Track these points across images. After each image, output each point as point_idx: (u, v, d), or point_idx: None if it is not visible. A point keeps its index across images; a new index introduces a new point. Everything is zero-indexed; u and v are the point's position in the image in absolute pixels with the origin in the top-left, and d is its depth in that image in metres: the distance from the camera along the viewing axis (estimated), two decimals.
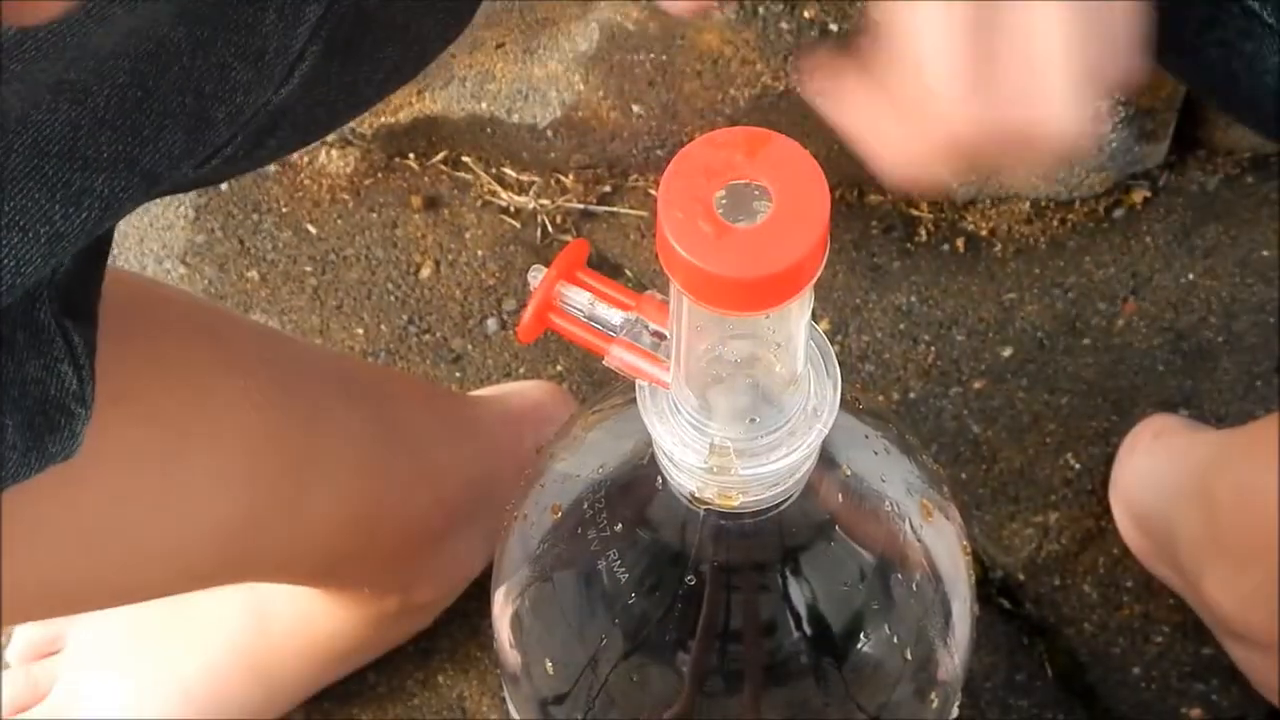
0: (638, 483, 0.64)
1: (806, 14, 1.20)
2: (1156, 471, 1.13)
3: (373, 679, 1.14)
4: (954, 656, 0.70)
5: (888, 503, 0.68)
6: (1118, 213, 1.31)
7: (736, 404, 0.55)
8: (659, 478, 0.61)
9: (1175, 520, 1.09)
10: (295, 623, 1.07)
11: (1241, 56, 0.66)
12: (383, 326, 1.26)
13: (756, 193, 0.49)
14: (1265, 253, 1.28)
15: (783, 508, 0.60)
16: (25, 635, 1.10)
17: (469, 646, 1.15)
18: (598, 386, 1.21)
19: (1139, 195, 1.32)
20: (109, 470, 0.75)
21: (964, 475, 1.20)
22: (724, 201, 0.49)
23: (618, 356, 0.56)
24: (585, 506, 0.66)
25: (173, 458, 0.79)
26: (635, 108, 1.24)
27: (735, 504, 0.58)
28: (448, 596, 1.12)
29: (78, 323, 0.66)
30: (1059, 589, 1.17)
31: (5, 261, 0.57)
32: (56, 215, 0.58)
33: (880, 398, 1.22)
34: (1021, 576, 1.17)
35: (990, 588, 1.17)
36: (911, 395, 1.23)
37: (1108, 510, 1.18)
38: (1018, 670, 1.15)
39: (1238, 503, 1.00)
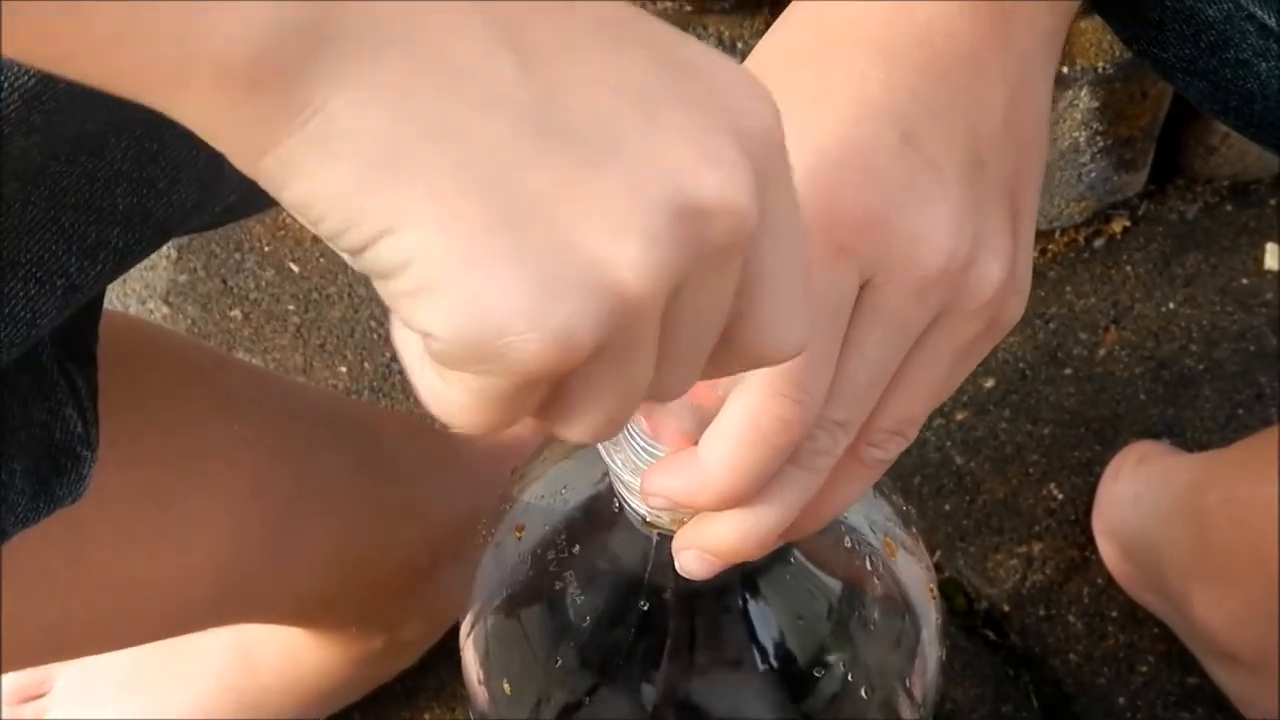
0: (597, 507, 0.64)
1: None
2: (1141, 495, 1.13)
3: (358, 718, 1.14)
4: (916, 694, 0.70)
5: (847, 538, 0.68)
6: (1098, 242, 1.32)
7: (684, 427, 0.55)
8: (616, 502, 0.61)
9: (1162, 542, 1.09)
10: (281, 661, 1.07)
11: (1257, 76, 0.66)
12: (366, 364, 1.26)
13: None
14: (1245, 280, 1.29)
15: None
16: (13, 678, 1.09)
17: (454, 684, 1.15)
18: None
19: (1119, 224, 1.32)
20: (106, 513, 0.74)
21: (948, 507, 1.20)
22: None
23: None
24: (547, 529, 0.67)
25: (168, 499, 0.79)
26: None
27: None
28: (433, 634, 1.12)
29: (80, 366, 0.66)
30: (1044, 619, 1.17)
31: (22, 314, 0.57)
32: (73, 268, 0.58)
33: None
34: (1006, 607, 1.17)
35: (975, 619, 1.17)
36: None
37: (1091, 540, 1.18)
38: (1004, 701, 1.15)
39: (1227, 518, 1.00)
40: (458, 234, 0.38)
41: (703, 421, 0.54)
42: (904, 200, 0.54)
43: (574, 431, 0.43)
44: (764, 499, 0.54)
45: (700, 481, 0.53)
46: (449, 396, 0.42)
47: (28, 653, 0.80)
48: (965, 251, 0.55)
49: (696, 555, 0.56)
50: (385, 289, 0.39)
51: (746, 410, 0.52)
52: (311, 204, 0.38)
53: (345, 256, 0.40)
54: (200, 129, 0.38)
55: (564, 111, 0.39)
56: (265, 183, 0.39)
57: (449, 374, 0.41)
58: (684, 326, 0.42)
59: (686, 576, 0.56)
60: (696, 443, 0.55)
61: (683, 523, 0.57)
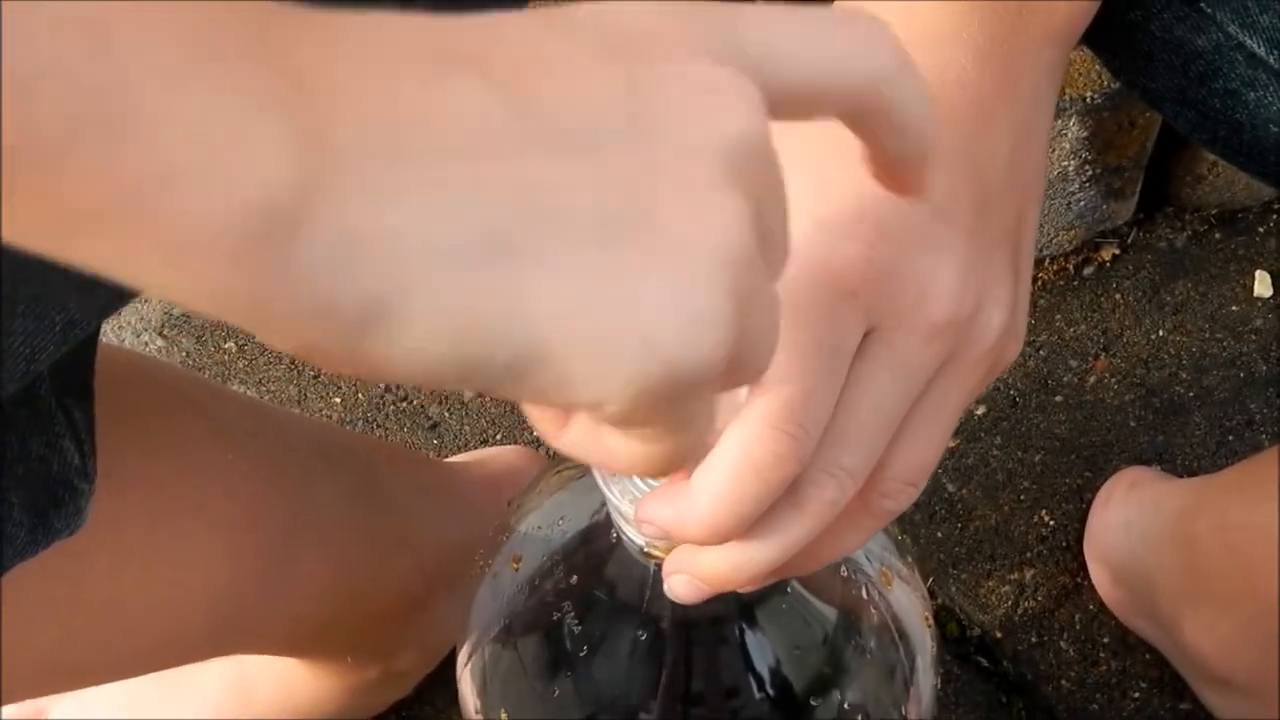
0: (595, 537, 0.64)
1: None
2: (1132, 521, 1.13)
3: None
4: None
5: (843, 567, 0.68)
6: (1087, 270, 1.32)
7: None
8: (614, 532, 0.61)
9: (1153, 568, 1.09)
10: (277, 692, 1.07)
11: (1245, 106, 0.66)
12: (360, 395, 1.27)
13: None
14: (1234, 308, 1.29)
15: None
16: (11, 710, 1.09)
17: (450, 713, 1.15)
18: None
19: (1108, 252, 1.33)
20: (103, 543, 0.75)
21: (940, 534, 1.21)
22: None
23: None
24: (545, 560, 0.67)
25: (164, 529, 0.79)
26: None
27: None
28: (428, 664, 1.12)
29: (77, 399, 0.66)
30: (1036, 646, 1.17)
31: (20, 349, 0.57)
32: (71, 303, 0.57)
33: None
34: (999, 634, 1.17)
35: (968, 646, 1.18)
36: None
37: (1083, 566, 1.18)
38: None
39: (1219, 543, 1.00)
40: (585, 297, 0.36)
41: (701, 454, 0.54)
42: (914, 252, 0.55)
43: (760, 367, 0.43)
44: (761, 535, 0.54)
45: (690, 512, 0.53)
46: (656, 452, 0.41)
47: (26, 683, 0.80)
48: (972, 301, 0.56)
49: (686, 580, 0.56)
50: (528, 390, 0.37)
51: (741, 443, 0.52)
52: (422, 363, 0.36)
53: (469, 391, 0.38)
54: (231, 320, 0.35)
55: (587, 123, 0.37)
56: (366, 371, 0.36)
57: (640, 431, 0.40)
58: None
59: (675, 600, 0.56)
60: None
61: None
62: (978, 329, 0.56)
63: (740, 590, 0.56)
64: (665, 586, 0.56)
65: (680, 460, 0.42)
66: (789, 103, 0.43)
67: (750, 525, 0.53)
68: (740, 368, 0.41)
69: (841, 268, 0.54)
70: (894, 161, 0.49)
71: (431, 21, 0.37)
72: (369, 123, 0.34)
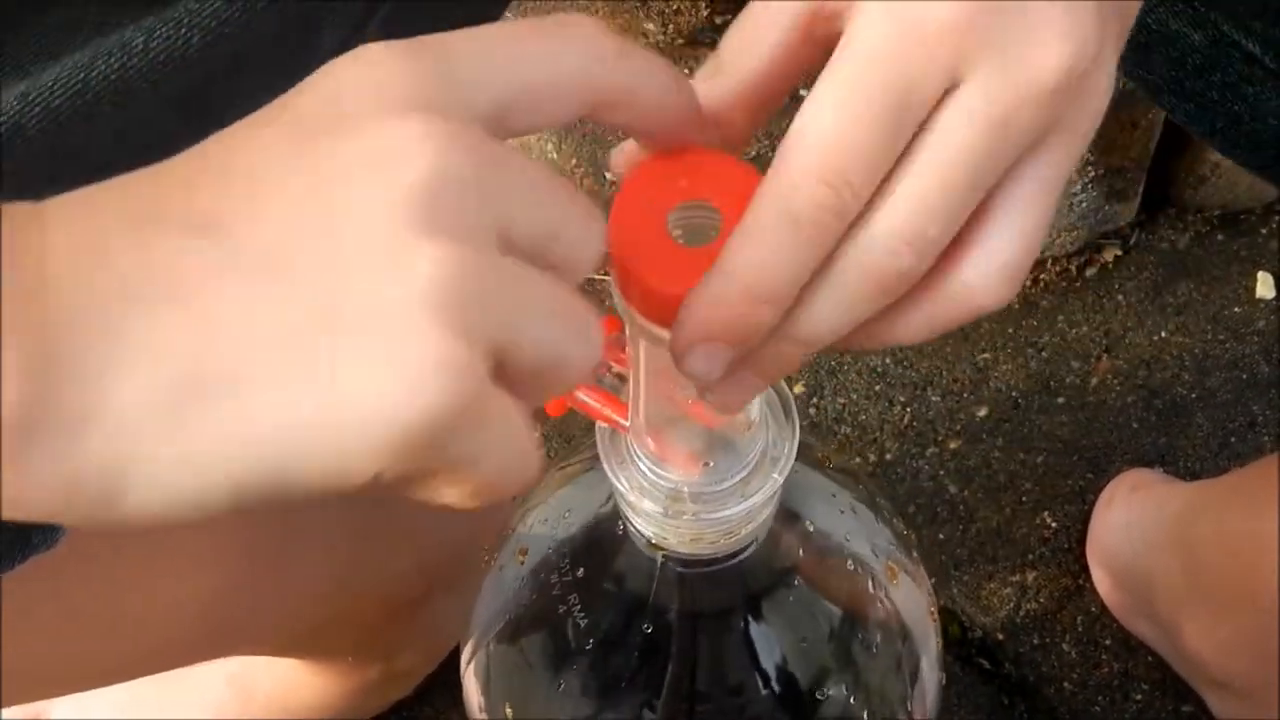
0: (601, 529, 0.64)
1: None
2: (1134, 524, 1.13)
3: None
4: (917, 718, 0.70)
5: (850, 561, 0.68)
6: (1090, 271, 1.32)
7: (691, 447, 0.55)
8: (620, 524, 0.61)
9: (1153, 571, 1.09)
10: (277, 694, 1.07)
11: (1243, 100, 0.66)
12: None
13: (706, 214, 0.48)
14: (1237, 309, 1.29)
15: (741, 557, 0.60)
16: (7, 713, 1.09)
17: (450, 714, 1.15)
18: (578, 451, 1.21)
19: (1110, 254, 1.33)
20: (93, 549, 0.74)
21: (942, 535, 1.21)
22: (675, 223, 0.48)
23: (579, 398, 0.56)
24: (550, 553, 0.66)
25: (155, 533, 0.79)
26: (609, 175, 1.25)
27: (691, 550, 0.58)
28: (429, 664, 1.12)
29: None
30: (1038, 648, 1.17)
31: None
32: None
33: (857, 459, 1.22)
34: (1001, 636, 1.17)
35: (970, 648, 1.17)
36: (888, 456, 1.23)
37: (1085, 568, 1.18)
38: None
39: (1218, 548, 1.00)
40: (302, 399, 0.38)
41: (710, 444, 0.54)
42: None
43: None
44: (816, 301, 0.47)
45: (724, 281, 0.46)
46: (465, 491, 0.42)
47: (18, 691, 0.80)
48: (1091, 55, 0.47)
49: (708, 352, 0.48)
50: (311, 487, 0.39)
51: (775, 193, 0.45)
52: (185, 510, 0.40)
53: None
54: None
55: (276, 238, 0.39)
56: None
57: (436, 487, 0.41)
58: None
59: (695, 377, 0.48)
60: (702, 463, 0.55)
61: (686, 544, 0.57)
62: (1089, 90, 0.48)
63: (786, 371, 0.50)
64: (684, 365, 0.48)
65: (497, 491, 0.42)
66: (521, 111, 0.43)
67: (801, 292, 0.47)
68: (531, 381, 0.42)
69: (919, 14, 0.46)
70: (664, 137, 0.47)
71: (140, 179, 0.40)
72: (81, 303, 0.37)
